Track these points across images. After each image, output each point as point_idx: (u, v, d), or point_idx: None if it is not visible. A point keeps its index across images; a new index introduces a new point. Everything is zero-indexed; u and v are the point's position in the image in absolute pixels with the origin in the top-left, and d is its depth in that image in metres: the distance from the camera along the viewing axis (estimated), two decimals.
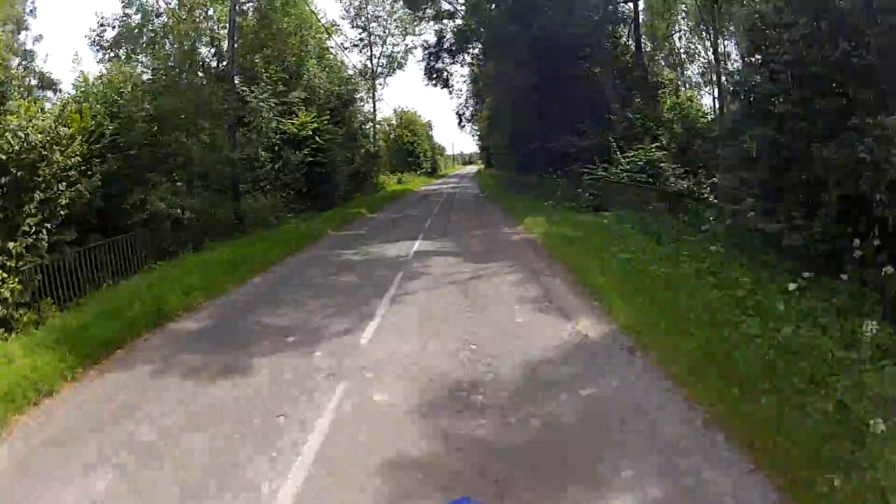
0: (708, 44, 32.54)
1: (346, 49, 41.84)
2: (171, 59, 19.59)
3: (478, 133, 60.53)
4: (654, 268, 8.83)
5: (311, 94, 25.89)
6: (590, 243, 11.04)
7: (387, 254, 12.16)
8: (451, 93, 40.04)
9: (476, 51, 32.44)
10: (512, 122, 29.44)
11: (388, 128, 56.51)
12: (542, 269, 9.61)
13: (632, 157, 18.12)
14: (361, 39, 42.93)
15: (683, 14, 31.01)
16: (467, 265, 10.31)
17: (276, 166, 22.20)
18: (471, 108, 39.83)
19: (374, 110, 45.10)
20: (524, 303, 7.57)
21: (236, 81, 22.88)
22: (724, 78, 23.36)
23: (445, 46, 32.54)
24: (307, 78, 26.41)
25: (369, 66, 43.89)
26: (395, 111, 57.59)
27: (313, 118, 23.20)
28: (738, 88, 10.22)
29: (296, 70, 26.42)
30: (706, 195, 16.85)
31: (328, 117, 24.42)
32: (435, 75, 33.00)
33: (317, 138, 22.71)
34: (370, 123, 40.69)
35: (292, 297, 8.80)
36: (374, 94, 43.45)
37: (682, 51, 33.27)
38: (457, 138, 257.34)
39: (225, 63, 21.17)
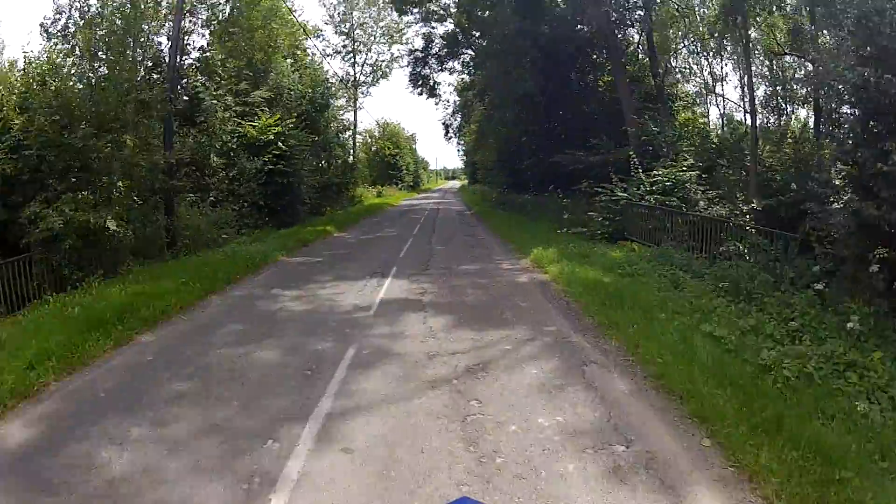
0: (705, 63, 29.64)
1: (328, 56, 38.34)
2: (105, 41, 15.83)
3: (463, 148, 57.38)
4: (770, 356, 5.26)
5: (277, 95, 22.15)
6: (635, 295, 7.42)
7: (340, 302, 8.31)
8: (437, 102, 36.60)
9: (466, 58, 29.01)
10: (506, 135, 26.00)
11: (370, 139, 52.89)
12: (582, 348, 5.85)
13: (657, 176, 14.62)
14: (345, 46, 39.49)
15: (686, 29, 27.92)
16: (461, 334, 6.47)
17: (231, 174, 18.40)
18: (458, 120, 36.41)
19: (355, 119, 41.64)
20: (577, 446, 3.81)
21: (200, 79, 19.22)
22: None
23: (434, 52, 29.00)
24: (275, 76, 22.63)
25: (352, 73, 40.50)
26: (377, 122, 54.10)
27: (277, 120, 19.43)
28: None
29: (263, 68, 22.67)
30: (746, 225, 13.42)
31: (295, 121, 20.68)
32: (421, 82, 29.39)
33: (280, 144, 18.92)
34: (349, 132, 36.96)
35: (167, 393, 4.98)
36: (355, 103, 39.93)
37: (677, 69, 30.17)
38: (441, 153, 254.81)
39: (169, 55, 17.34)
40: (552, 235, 14.70)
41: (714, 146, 19.92)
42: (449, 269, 10.85)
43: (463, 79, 31.88)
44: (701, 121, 24.46)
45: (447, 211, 29.41)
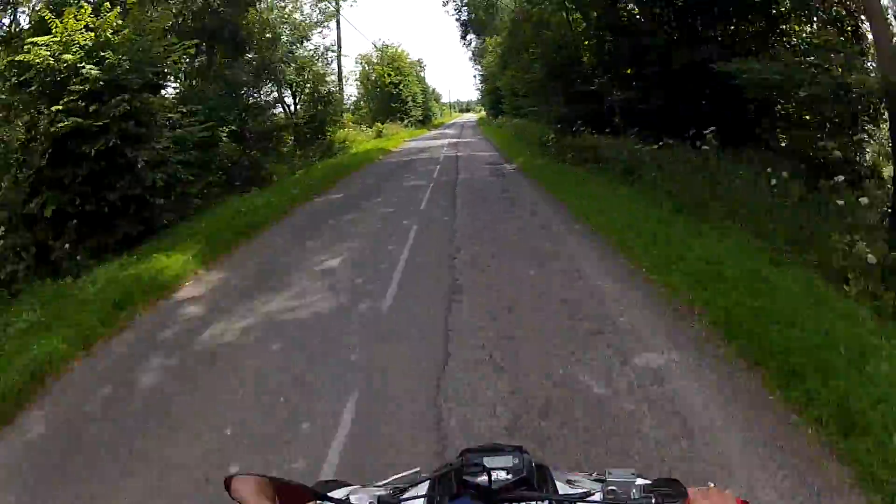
0: None
1: None
2: None
3: (481, 73, 45.63)
4: None
5: None
6: None
7: None
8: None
9: None
10: (559, 39, 14.65)
11: (367, 66, 40.86)
12: None
13: None
14: None
15: None
16: None
17: None
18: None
19: (339, 36, 30.10)
20: None
21: None
22: None
23: None
24: None
25: None
26: (375, 46, 42.01)
27: (87, 22, 8.22)
28: None
29: None
30: None
31: (132, 15, 9.26)
32: None
33: (91, 70, 7.86)
34: (323, 49, 25.02)
35: None
36: (338, 13, 27.91)
37: None
38: (453, 85, 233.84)
39: None
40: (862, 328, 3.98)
41: None
42: None
43: None
44: None
45: (472, 165, 17.09)
